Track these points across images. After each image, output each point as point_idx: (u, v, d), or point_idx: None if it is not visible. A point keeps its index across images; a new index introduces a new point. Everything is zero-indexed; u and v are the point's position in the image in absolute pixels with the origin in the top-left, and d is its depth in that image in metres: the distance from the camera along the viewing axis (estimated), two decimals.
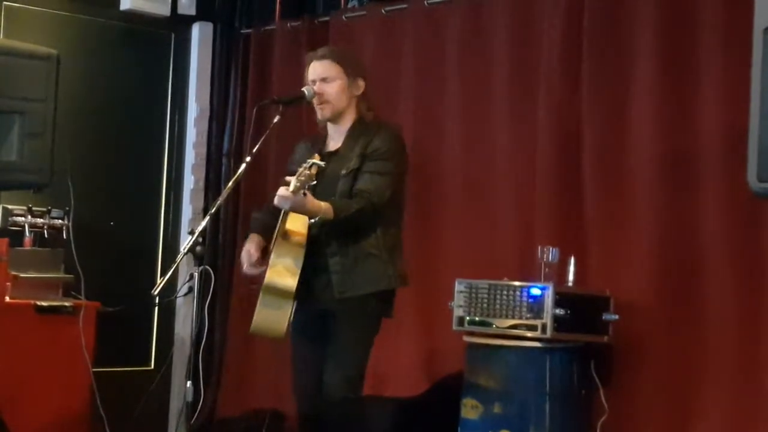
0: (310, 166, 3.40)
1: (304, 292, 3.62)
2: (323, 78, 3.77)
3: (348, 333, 3.67)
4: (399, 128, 3.84)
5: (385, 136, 3.72)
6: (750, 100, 3.26)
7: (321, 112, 3.81)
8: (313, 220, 3.54)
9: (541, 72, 4.70)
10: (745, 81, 3.32)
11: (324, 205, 3.52)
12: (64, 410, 4.87)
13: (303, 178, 3.37)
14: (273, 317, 3.59)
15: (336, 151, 3.78)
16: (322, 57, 3.80)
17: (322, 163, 3.46)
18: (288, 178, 3.45)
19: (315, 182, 3.43)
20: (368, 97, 3.82)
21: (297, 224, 3.60)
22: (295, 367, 3.85)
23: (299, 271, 3.55)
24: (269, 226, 3.77)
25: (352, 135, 3.76)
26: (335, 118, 3.81)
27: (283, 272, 3.55)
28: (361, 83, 3.79)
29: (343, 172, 3.69)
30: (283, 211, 3.60)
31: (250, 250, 3.77)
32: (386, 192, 3.66)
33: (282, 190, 3.44)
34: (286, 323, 3.58)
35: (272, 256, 3.59)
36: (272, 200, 3.76)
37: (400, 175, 3.76)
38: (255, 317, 3.64)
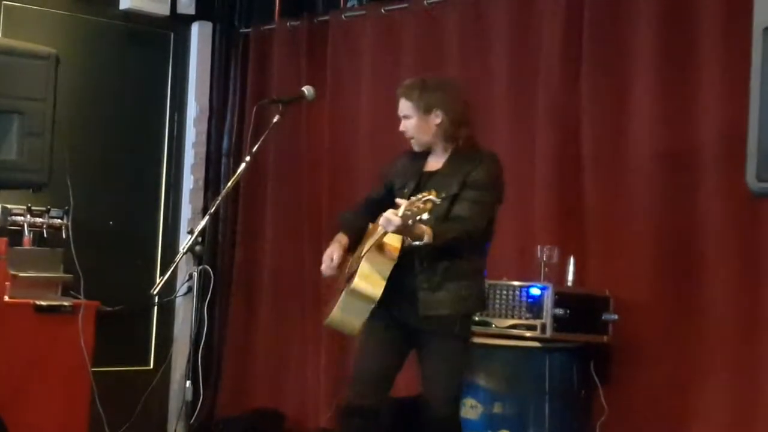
0: (425, 201, 3.41)
1: (391, 306, 3.68)
2: (403, 115, 3.81)
3: (440, 368, 3.72)
4: (499, 159, 3.81)
5: (487, 166, 3.73)
6: (749, 99, 3.26)
7: (412, 146, 3.85)
8: (416, 243, 3.57)
9: (540, 70, 4.69)
10: (745, 80, 3.32)
11: (426, 230, 3.54)
12: (63, 410, 4.86)
13: (415, 210, 3.41)
14: (351, 319, 3.67)
15: (435, 172, 3.79)
16: (401, 94, 3.83)
17: (438, 201, 3.46)
18: (399, 200, 3.49)
19: (426, 218, 3.43)
20: (454, 127, 3.77)
21: (393, 238, 3.64)
22: (361, 355, 3.86)
23: (386, 283, 3.62)
24: (357, 228, 3.84)
25: (453, 160, 3.77)
26: (427, 147, 3.83)
27: (372, 281, 3.61)
28: (438, 114, 3.76)
29: (443, 195, 3.66)
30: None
31: (333, 255, 3.81)
32: (482, 221, 3.69)
33: (390, 213, 3.48)
34: (363, 323, 3.66)
35: (363, 263, 3.63)
36: (364, 203, 3.90)
37: (496, 204, 3.78)
38: (332, 315, 3.69)
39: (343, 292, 3.67)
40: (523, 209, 4.71)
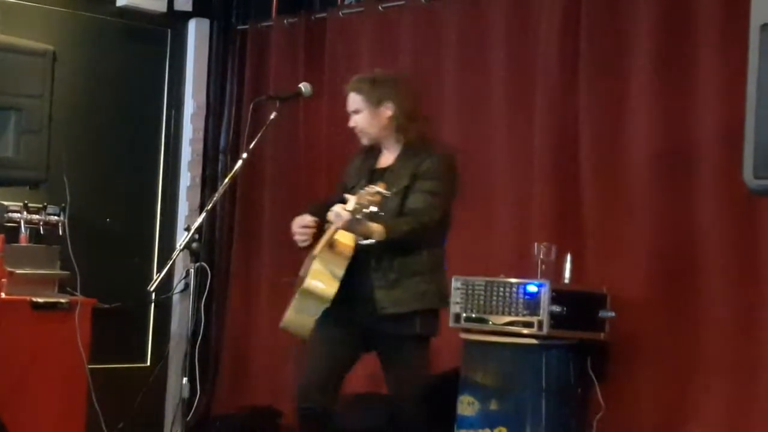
0: (374, 193, 3.39)
1: (346, 306, 3.63)
2: (353, 110, 3.81)
3: (408, 362, 3.71)
4: (453, 151, 3.83)
5: (437, 157, 3.73)
6: (746, 96, 3.26)
7: (361, 139, 3.84)
8: (366, 242, 3.55)
9: (538, 68, 4.70)
10: (742, 77, 3.31)
11: (377, 228, 3.52)
12: (60, 407, 4.86)
13: (364, 202, 3.38)
14: (304, 321, 3.62)
15: (386, 169, 3.79)
16: (351, 89, 3.83)
17: (388, 193, 3.44)
18: (348, 195, 3.47)
19: (375, 210, 3.40)
20: (406, 120, 3.78)
21: (346, 235, 3.59)
22: (310, 355, 3.84)
23: (339, 282, 3.57)
24: (321, 217, 3.77)
25: (405, 154, 3.77)
26: (378, 142, 3.83)
27: (324, 280, 3.56)
28: (388, 107, 3.77)
29: (393, 190, 3.66)
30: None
31: (306, 220, 3.76)
32: (436, 212, 3.67)
33: (338, 208, 3.46)
34: (313, 325, 3.61)
35: (315, 262, 3.59)
36: (323, 203, 3.83)
37: (451, 196, 3.76)
38: (287, 317, 3.65)
39: (297, 293, 3.62)
40: (521, 206, 4.71)
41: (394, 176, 3.71)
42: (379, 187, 3.40)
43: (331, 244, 3.59)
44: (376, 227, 3.52)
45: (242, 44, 6.15)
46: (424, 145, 3.77)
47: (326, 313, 3.62)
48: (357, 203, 3.39)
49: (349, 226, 3.49)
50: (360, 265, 3.62)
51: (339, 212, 3.46)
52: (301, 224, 3.77)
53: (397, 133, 3.78)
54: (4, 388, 4.58)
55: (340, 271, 3.57)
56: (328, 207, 3.79)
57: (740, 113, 3.31)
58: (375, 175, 3.76)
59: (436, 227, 3.70)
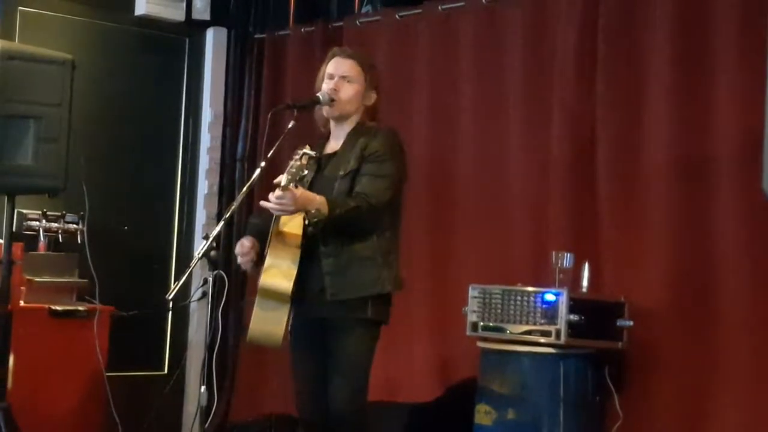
0: (301, 157, 3.33)
1: (300, 296, 3.55)
2: (344, 76, 3.73)
3: (348, 345, 3.61)
4: (397, 131, 3.79)
5: (383, 138, 3.67)
6: (765, 105, 3.25)
7: (329, 110, 3.75)
8: (312, 213, 3.45)
9: (555, 77, 4.69)
10: (761, 86, 3.31)
11: (319, 198, 3.46)
12: (78, 414, 4.89)
13: (294, 170, 3.31)
14: (269, 322, 3.49)
15: (334, 153, 3.75)
16: (350, 56, 3.76)
17: (312, 153, 3.39)
18: (279, 178, 3.39)
19: (306, 173, 3.36)
20: (375, 111, 3.78)
21: (292, 225, 3.52)
22: (296, 375, 3.79)
23: (295, 274, 3.49)
24: (266, 232, 3.67)
25: (351, 137, 3.73)
26: (340, 120, 3.77)
27: (278, 275, 3.47)
28: (374, 96, 3.76)
29: (341, 173, 3.64)
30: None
31: (244, 242, 3.68)
32: (385, 195, 3.60)
33: (273, 197, 3.37)
34: (283, 330, 3.50)
35: (267, 258, 3.52)
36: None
37: (399, 177, 3.70)
38: (251, 322, 3.53)
39: (256, 296, 3.51)
40: (538, 214, 4.70)
41: (341, 160, 3.67)
42: (304, 149, 3.35)
43: (279, 235, 3.51)
44: (319, 198, 3.45)
45: (260, 53, 6.17)
46: (370, 127, 3.73)
47: (295, 317, 3.55)
48: (287, 176, 3.31)
49: (294, 206, 3.38)
50: (310, 255, 3.54)
51: (278, 196, 3.34)
52: (240, 252, 3.68)
53: (362, 117, 3.73)
54: (22, 395, 4.59)
55: (294, 264, 3.48)
56: (266, 219, 3.68)
57: (759, 122, 3.30)
58: (323, 162, 3.71)
59: (385, 211, 3.62)
